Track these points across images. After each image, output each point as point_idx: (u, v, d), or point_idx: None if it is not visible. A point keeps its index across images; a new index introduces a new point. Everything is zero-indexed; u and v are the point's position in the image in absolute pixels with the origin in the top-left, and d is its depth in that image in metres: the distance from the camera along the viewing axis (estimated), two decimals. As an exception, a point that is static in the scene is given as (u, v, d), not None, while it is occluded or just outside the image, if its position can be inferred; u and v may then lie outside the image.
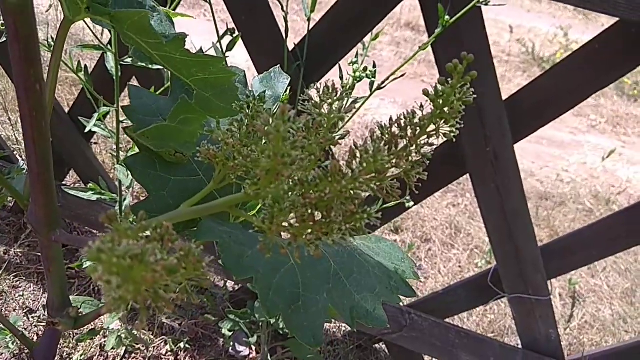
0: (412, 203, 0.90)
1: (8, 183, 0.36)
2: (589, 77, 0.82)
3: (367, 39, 0.94)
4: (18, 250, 1.50)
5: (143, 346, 1.30)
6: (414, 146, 0.25)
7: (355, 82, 0.59)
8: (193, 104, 0.40)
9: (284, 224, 0.27)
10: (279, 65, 0.52)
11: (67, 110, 1.24)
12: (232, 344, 1.36)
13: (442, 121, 0.25)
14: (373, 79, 0.63)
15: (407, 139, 0.25)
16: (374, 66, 0.72)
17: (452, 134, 0.25)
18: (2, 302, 1.38)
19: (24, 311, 1.38)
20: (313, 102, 0.27)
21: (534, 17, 5.24)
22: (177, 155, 0.40)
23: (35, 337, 1.31)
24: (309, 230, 0.26)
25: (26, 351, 1.29)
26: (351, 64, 0.63)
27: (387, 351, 1.34)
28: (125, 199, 1.01)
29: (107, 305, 0.20)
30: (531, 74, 3.84)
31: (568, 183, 2.59)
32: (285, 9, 0.86)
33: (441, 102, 0.24)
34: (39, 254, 1.50)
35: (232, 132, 0.33)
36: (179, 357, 1.33)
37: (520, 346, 1.17)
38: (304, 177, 0.25)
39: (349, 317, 0.38)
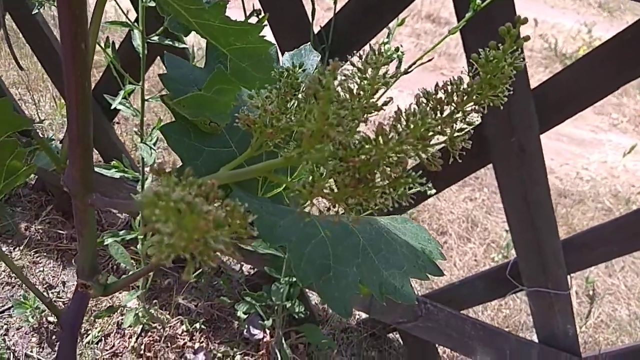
0: (433, 191, 0.89)
1: (47, 145, 0.37)
2: (610, 74, 0.80)
3: (391, 24, 0.93)
4: (39, 227, 1.52)
5: (159, 325, 1.32)
6: (460, 113, 0.25)
7: (387, 61, 0.59)
8: (228, 74, 0.40)
9: (324, 189, 0.27)
10: (309, 43, 0.52)
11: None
12: (246, 326, 1.37)
13: (491, 88, 0.24)
14: (401, 59, 0.63)
15: (454, 105, 0.25)
16: (397, 49, 0.72)
17: (501, 101, 0.25)
18: (23, 277, 1.41)
19: (44, 286, 1.41)
20: (357, 66, 0.26)
21: (558, 12, 5.16)
22: (211, 124, 0.40)
23: (54, 313, 1.34)
24: (350, 196, 0.26)
25: (45, 325, 1.31)
26: (383, 44, 0.63)
27: (400, 340, 1.34)
28: (147, 178, 1.01)
29: (157, 255, 0.21)
30: (553, 69, 3.79)
31: (588, 181, 2.55)
32: (313, -9, 0.86)
33: (491, 67, 0.24)
34: (59, 231, 1.52)
35: (271, 99, 0.33)
36: (194, 338, 1.34)
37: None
38: (346, 141, 0.25)
39: (378, 292, 0.38)
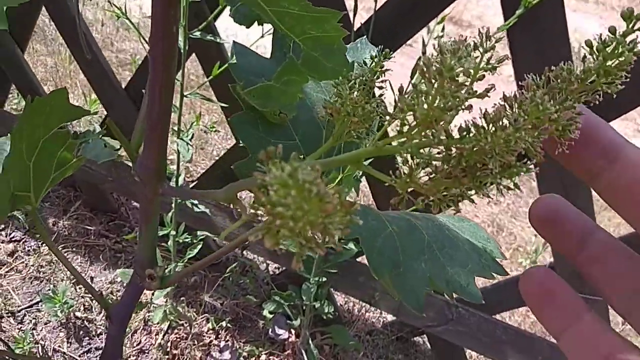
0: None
1: (120, 133, 0.36)
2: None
3: (431, 23, 0.92)
4: (66, 223, 1.53)
5: (186, 322, 1.31)
6: (573, 100, 0.23)
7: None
8: (299, 64, 0.40)
9: (420, 179, 0.26)
10: (365, 37, 0.51)
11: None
12: (272, 326, 1.37)
13: (605, 75, 0.23)
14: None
15: (566, 92, 0.24)
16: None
17: (617, 89, 0.24)
18: (51, 272, 1.42)
19: (71, 282, 1.41)
20: (461, 52, 0.25)
21: (580, 16, 5.10)
22: (280, 115, 0.39)
23: (82, 308, 1.34)
24: (451, 186, 0.25)
25: (73, 320, 1.32)
26: (437, 38, 0.62)
27: (428, 344, 1.33)
28: (180, 174, 1.01)
29: (271, 240, 0.20)
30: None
31: (613, 187, 2.51)
32: (355, -13, 0.85)
33: (609, 52, 0.23)
34: (87, 227, 1.53)
35: (355, 87, 0.32)
36: (219, 336, 1.34)
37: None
38: (449, 129, 0.24)
39: (446, 289, 0.37)
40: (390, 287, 0.33)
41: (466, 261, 0.41)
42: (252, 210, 0.21)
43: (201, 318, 1.35)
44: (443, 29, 0.98)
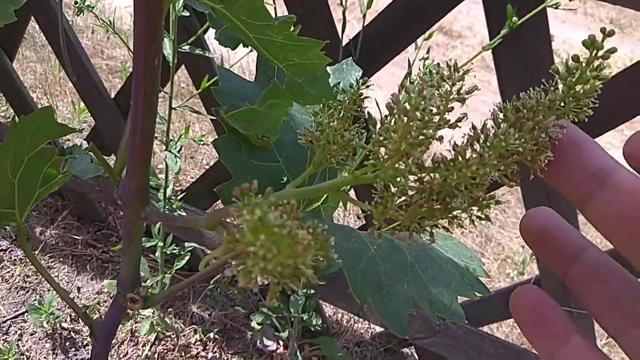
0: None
1: (102, 157, 0.37)
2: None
3: (419, 39, 0.93)
4: (54, 232, 1.52)
5: (173, 334, 1.31)
6: (541, 129, 0.24)
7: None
8: (283, 89, 0.40)
9: (396, 209, 0.27)
10: (351, 58, 0.52)
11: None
12: (260, 337, 1.36)
13: (574, 101, 0.24)
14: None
15: (533, 121, 0.24)
16: (438, 65, 0.71)
17: (585, 115, 0.24)
18: (37, 282, 1.41)
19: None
20: (432, 81, 0.26)
21: (569, 28, 5.16)
22: (263, 138, 0.40)
23: (68, 318, 1.33)
24: (424, 217, 0.26)
25: (59, 331, 1.31)
26: (422, 60, 0.63)
27: (416, 356, 1.33)
28: (169, 185, 1.01)
29: (245, 279, 0.20)
30: (565, 85, 3.77)
31: (600, 198, 2.54)
32: (344, 3, 0.86)
33: (574, 79, 0.24)
34: (74, 236, 1.52)
35: (334, 115, 0.32)
36: (207, 347, 1.33)
37: None
38: (422, 161, 0.25)
39: (429, 310, 0.37)
40: (373, 309, 0.34)
41: (449, 280, 0.41)
42: (228, 245, 0.21)
43: (189, 329, 1.35)
44: (429, 37, 0.99)
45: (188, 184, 1.54)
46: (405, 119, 0.22)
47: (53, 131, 0.42)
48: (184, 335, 1.33)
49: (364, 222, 1.22)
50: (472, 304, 1.20)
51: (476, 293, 0.41)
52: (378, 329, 1.42)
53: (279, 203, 0.24)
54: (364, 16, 0.90)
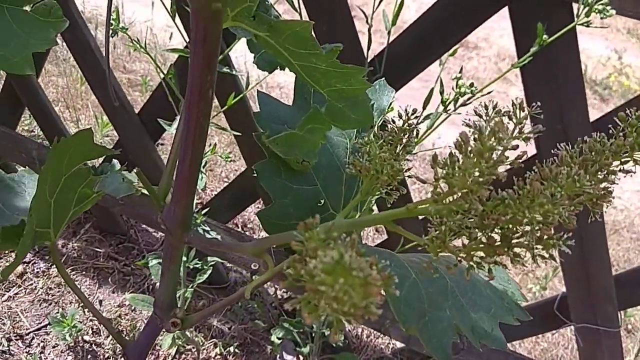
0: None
1: (149, 184, 0.37)
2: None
3: (444, 56, 0.93)
4: (76, 245, 1.54)
5: (194, 348, 1.31)
6: (607, 172, 0.24)
7: (459, 96, 0.59)
8: (323, 113, 0.40)
9: (453, 243, 0.26)
10: (383, 78, 0.52)
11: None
12: (280, 352, 1.36)
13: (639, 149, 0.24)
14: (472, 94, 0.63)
15: (599, 164, 0.24)
16: (472, 85, 0.71)
17: (645, 163, 0.24)
18: (60, 295, 1.42)
19: (80, 305, 1.41)
20: (500, 133, 0.26)
21: (586, 38, 5.12)
22: (303, 163, 0.40)
23: (90, 331, 1.34)
24: (484, 252, 0.25)
25: (81, 344, 1.31)
26: (454, 79, 0.63)
27: (437, 372, 1.31)
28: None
29: (311, 316, 0.20)
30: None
31: (622, 210, 2.50)
32: (369, 21, 0.86)
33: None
34: (97, 249, 1.53)
35: (382, 145, 0.32)
36: (227, 362, 1.33)
37: (581, 378, 1.13)
38: (484, 197, 0.24)
39: (472, 337, 0.37)
40: (419, 338, 0.33)
41: (489, 305, 0.41)
42: (290, 278, 0.21)
43: (209, 343, 1.35)
44: (454, 54, 0.98)
45: (208, 197, 1.55)
46: (475, 158, 0.22)
47: (91, 152, 0.43)
48: (204, 349, 1.33)
49: (386, 237, 1.21)
50: (495, 321, 1.18)
51: (516, 318, 0.41)
52: (399, 344, 1.41)
53: (334, 235, 0.24)
54: (389, 33, 0.91)
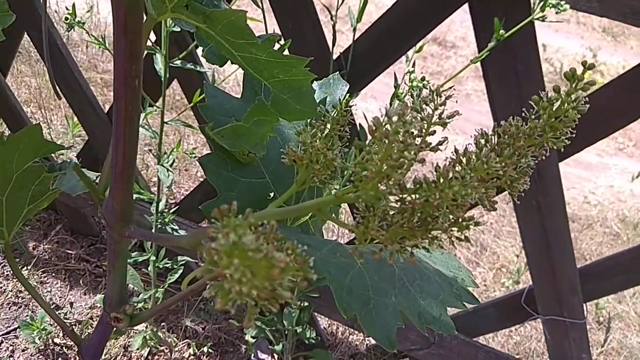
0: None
1: (87, 177, 0.37)
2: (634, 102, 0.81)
3: (410, 51, 0.94)
4: (47, 247, 1.52)
5: (167, 348, 1.30)
6: (520, 155, 0.24)
7: (413, 91, 0.59)
8: (269, 106, 0.40)
9: (378, 229, 0.27)
10: (338, 72, 0.52)
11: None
12: (254, 351, 1.35)
13: (552, 131, 0.24)
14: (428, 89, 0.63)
15: (514, 147, 0.24)
16: (423, 79, 0.72)
17: (563, 144, 0.24)
18: (30, 298, 1.40)
19: (51, 307, 1.39)
20: (414, 105, 0.26)
21: (562, 36, 5.20)
22: (249, 155, 0.40)
23: (61, 334, 1.32)
24: (405, 237, 0.26)
25: (51, 347, 1.30)
26: (408, 73, 0.63)
27: (411, 367, 1.32)
28: (160, 200, 1.01)
29: (223, 301, 0.20)
30: (558, 94, 3.79)
31: (595, 205, 2.55)
32: (334, 18, 0.87)
33: (554, 109, 0.24)
34: (68, 251, 1.51)
35: (317, 134, 0.32)
36: (201, 362, 1.32)
37: (550, 370, 1.14)
38: (403, 182, 0.25)
39: (418, 322, 0.37)
40: (360, 324, 0.34)
41: (437, 292, 0.41)
42: (206, 265, 0.21)
43: (182, 343, 1.34)
44: (420, 50, 0.99)
45: (182, 197, 1.54)
46: (386, 141, 0.22)
47: (41, 149, 0.42)
48: (177, 350, 1.32)
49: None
50: (467, 315, 1.20)
51: (465, 303, 0.41)
52: (373, 341, 1.41)
53: (259, 223, 0.24)
54: (354, 29, 0.91)
